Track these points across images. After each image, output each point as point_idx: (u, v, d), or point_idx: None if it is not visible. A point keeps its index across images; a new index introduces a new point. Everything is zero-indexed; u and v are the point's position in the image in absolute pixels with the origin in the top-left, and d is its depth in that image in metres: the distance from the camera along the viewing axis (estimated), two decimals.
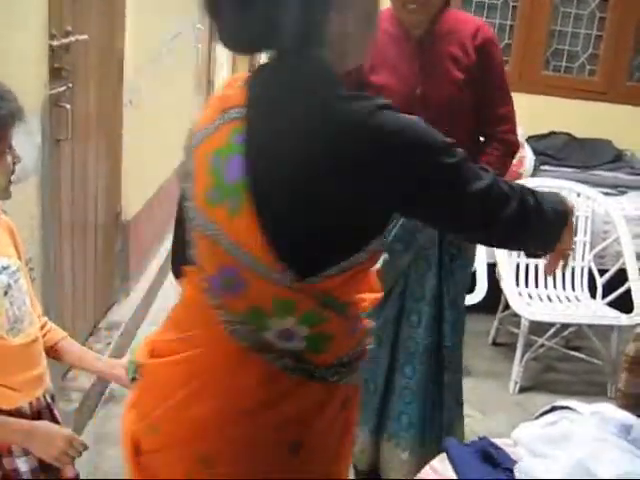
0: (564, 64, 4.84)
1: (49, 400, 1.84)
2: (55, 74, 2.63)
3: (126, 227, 3.81)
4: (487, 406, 3.61)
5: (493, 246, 1.50)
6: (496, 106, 2.60)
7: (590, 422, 1.52)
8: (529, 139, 4.48)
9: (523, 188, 1.39)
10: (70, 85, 2.76)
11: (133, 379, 1.56)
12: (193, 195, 1.36)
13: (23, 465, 1.73)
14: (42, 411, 1.81)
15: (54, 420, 1.84)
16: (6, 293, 1.65)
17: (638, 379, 1.77)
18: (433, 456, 1.77)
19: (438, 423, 2.74)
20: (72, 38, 2.76)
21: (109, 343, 3.40)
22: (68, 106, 2.70)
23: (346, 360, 1.39)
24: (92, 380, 3.12)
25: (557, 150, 4.52)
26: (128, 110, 3.61)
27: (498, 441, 1.58)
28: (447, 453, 1.59)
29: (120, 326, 3.53)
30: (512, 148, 2.62)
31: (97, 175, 3.34)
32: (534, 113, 4.56)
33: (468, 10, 4.73)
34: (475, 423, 3.45)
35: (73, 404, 2.95)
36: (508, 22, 4.76)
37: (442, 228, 1.46)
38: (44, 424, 1.76)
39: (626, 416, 1.55)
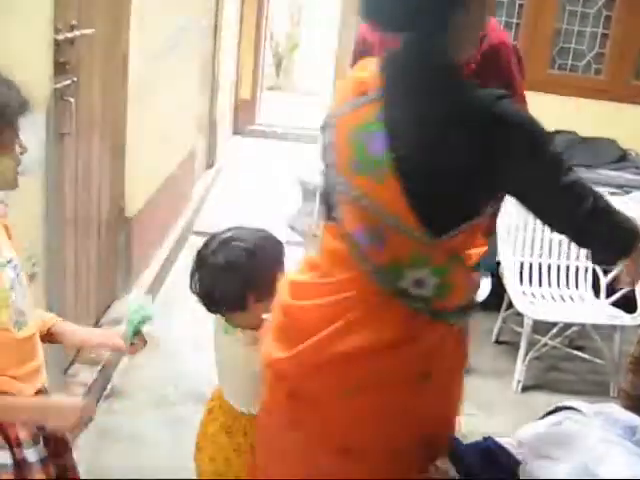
0: (570, 63, 4.83)
1: (47, 392, 1.86)
2: (60, 68, 2.63)
3: (129, 223, 3.81)
4: (490, 405, 3.60)
5: (578, 241, 1.66)
6: None
7: (595, 423, 1.51)
8: None
9: (594, 189, 1.59)
10: (75, 79, 2.76)
11: (132, 344, 1.89)
12: (335, 164, 1.62)
13: (32, 455, 1.75)
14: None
15: None
16: (12, 287, 1.67)
17: None
18: None
19: None
20: (77, 32, 2.75)
21: None
22: (72, 100, 2.69)
23: (462, 305, 1.64)
24: (94, 375, 3.12)
25: (562, 149, 4.48)
26: (132, 105, 3.60)
27: (502, 441, 1.57)
28: (451, 453, 1.58)
29: (122, 322, 3.52)
30: None
31: (101, 170, 3.33)
32: (539, 112, 4.50)
33: None
34: (478, 422, 3.44)
35: (75, 398, 2.95)
36: (514, 20, 4.74)
37: (537, 210, 1.62)
38: (55, 398, 1.85)
39: (631, 417, 1.54)
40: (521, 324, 3.76)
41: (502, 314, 4.15)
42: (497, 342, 4.22)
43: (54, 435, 1.81)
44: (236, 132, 8.56)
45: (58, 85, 2.61)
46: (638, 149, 4.61)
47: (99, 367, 3.18)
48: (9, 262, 1.69)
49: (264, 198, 6.39)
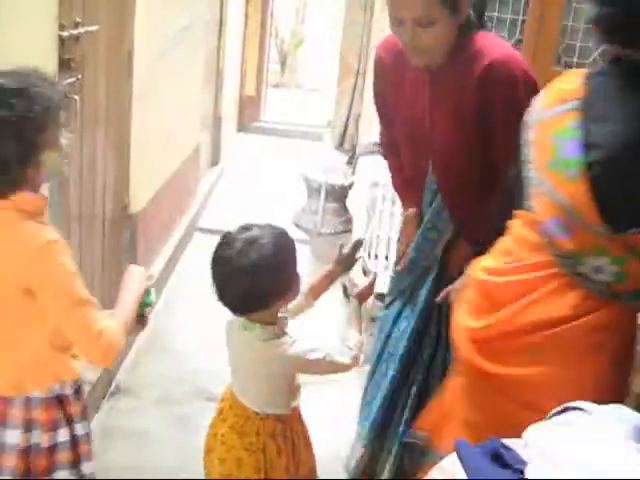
0: (576, 60, 4.80)
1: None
2: (64, 65, 2.62)
3: (134, 220, 3.80)
4: None
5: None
6: (488, 155, 2.36)
7: (603, 424, 1.50)
8: None
9: None
10: (79, 77, 2.75)
11: (142, 315, 2.07)
12: (533, 161, 1.87)
13: (80, 429, 1.94)
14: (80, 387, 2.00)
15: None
16: None
17: None
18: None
19: None
20: (82, 29, 2.74)
21: None
22: (77, 97, 2.68)
23: (638, 288, 1.82)
24: (98, 373, 3.12)
25: None
26: (137, 102, 3.59)
27: (509, 441, 1.56)
28: (457, 453, 1.57)
29: None
30: None
31: (105, 167, 3.33)
32: None
33: None
34: None
35: None
36: (520, 17, 4.72)
37: None
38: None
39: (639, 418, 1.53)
40: None
41: None
42: None
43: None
44: (241, 129, 8.55)
45: (62, 82, 2.60)
46: None
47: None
48: None
49: (269, 195, 6.39)
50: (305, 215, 5.81)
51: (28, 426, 1.84)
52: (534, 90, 2.11)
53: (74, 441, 1.92)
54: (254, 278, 1.97)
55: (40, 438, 1.84)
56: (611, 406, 1.56)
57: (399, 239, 2.80)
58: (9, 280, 1.75)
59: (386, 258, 4.32)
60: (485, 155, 2.36)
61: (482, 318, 1.99)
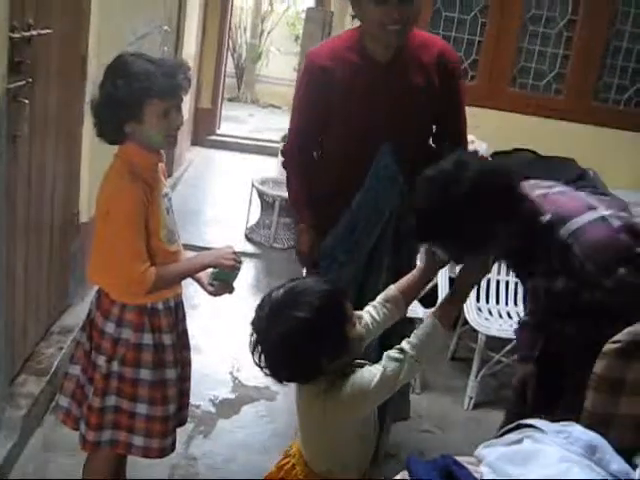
0: (531, 82, 4.86)
1: (182, 298, 2.42)
2: (15, 68, 2.55)
3: (83, 229, 3.72)
4: (444, 422, 3.59)
5: None
6: (456, 125, 2.74)
7: (555, 441, 1.49)
8: (493, 155, 4.47)
9: None
10: (30, 80, 2.68)
11: (211, 285, 2.33)
12: None
13: (167, 339, 2.31)
14: (179, 305, 2.40)
15: (184, 312, 2.45)
16: (167, 212, 2.27)
17: (604, 398, 1.75)
18: None
19: None
20: (34, 32, 2.68)
21: (61, 347, 3.31)
22: (27, 101, 2.62)
23: None
24: (41, 386, 3.03)
25: (521, 167, 4.51)
26: (89, 109, 3.52)
27: (461, 459, 1.54)
28: (408, 470, 1.54)
29: (74, 330, 3.43)
30: None
31: (54, 174, 3.25)
32: (499, 129, 4.57)
33: (437, 24, 4.74)
34: (433, 438, 3.43)
35: (21, 410, 2.86)
36: (477, 38, 4.76)
37: None
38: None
39: (592, 436, 1.52)
40: (477, 340, 3.75)
41: (458, 330, 4.15)
42: (453, 359, 4.22)
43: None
44: (195, 142, 8.49)
45: (12, 85, 2.53)
46: (596, 168, 4.65)
47: (47, 377, 3.09)
48: (165, 195, 2.29)
49: (222, 209, 6.34)
50: (258, 229, 5.77)
51: (120, 322, 2.25)
52: None
53: (157, 347, 2.28)
54: (284, 352, 1.78)
55: (129, 334, 2.25)
56: (563, 423, 1.56)
57: (298, 250, 2.87)
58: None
59: None
60: (445, 127, 2.72)
61: None
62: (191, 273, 2.33)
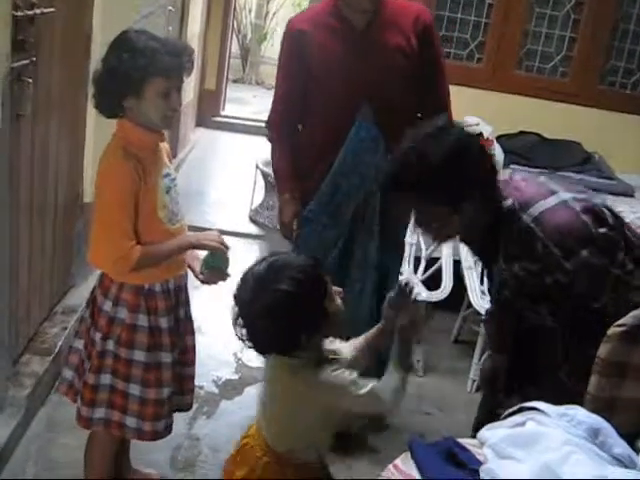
0: (537, 64, 4.83)
1: (186, 280, 2.43)
2: (18, 46, 2.54)
3: (87, 209, 3.71)
4: (447, 404, 3.60)
5: None
6: (437, 90, 2.80)
7: (558, 424, 1.49)
8: (499, 137, 4.45)
9: None
10: (34, 59, 2.67)
11: (201, 273, 2.34)
12: None
13: (164, 322, 2.31)
14: (181, 288, 2.39)
15: (186, 297, 2.43)
16: (168, 192, 2.26)
17: (608, 382, 1.75)
18: None
19: None
20: (37, 10, 2.66)
21: (65, 327, 3.31)
22: (30, 80, 2.61)
23: None
24: (45, 366, 3.03)
25: (526, 150, 4.50)
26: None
27: (464, 441, 1.54)
28: (411, 452, 1.55)
29: (77, 310, 3.43)
30: None
31: (58, 154, 3.24)
32: (505, 112, 4.55)
33: (444, 6, 4.70)
34: (434, 420, 3.43)
35: (25, 389, 2.87)
36: (483, 20, 4.73)
37: None
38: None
39: (594, 419, 1.52)
40: (480, 324, 3.75)
41: (462, 313, 4.14)
42: (456, 341, 4.22)
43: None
44: (199, 123, 8.46)
45: (16, 64, 2.52)
46: (602, 153, 4.63)
47: (50, 357, 3.09)
48: (167, 175, 2.30)
49: (226, 190, 6.32)
50: (262, 211, 5.75)
51: (117, 301, 2.28)
52: None
53: (153, 329, 2.28)
54: (267, 324, 1.80)
55: (124, 314, 2.27)
56: (567, 407, 1.56)
57: (281, 221, 2.96)
58: None
59: None
60: (428, 92, 2.76)
61: None
62: (176, 253, 2.32)
